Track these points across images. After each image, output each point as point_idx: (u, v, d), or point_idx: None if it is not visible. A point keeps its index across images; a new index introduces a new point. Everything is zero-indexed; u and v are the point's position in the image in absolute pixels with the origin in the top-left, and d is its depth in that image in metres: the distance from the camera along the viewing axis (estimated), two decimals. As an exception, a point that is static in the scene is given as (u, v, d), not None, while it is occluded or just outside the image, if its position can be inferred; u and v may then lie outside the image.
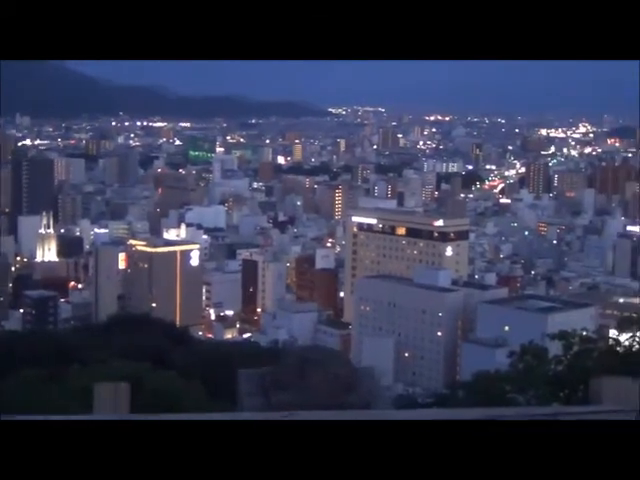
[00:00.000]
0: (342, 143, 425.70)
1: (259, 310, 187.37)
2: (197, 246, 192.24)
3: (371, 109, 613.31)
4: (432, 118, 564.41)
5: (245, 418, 4.63)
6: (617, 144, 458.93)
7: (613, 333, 36.39)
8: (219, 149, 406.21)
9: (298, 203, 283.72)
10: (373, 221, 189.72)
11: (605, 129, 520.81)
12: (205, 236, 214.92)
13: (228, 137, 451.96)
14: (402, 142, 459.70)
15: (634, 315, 36.67)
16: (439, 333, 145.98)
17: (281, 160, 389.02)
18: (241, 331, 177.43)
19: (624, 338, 32.35)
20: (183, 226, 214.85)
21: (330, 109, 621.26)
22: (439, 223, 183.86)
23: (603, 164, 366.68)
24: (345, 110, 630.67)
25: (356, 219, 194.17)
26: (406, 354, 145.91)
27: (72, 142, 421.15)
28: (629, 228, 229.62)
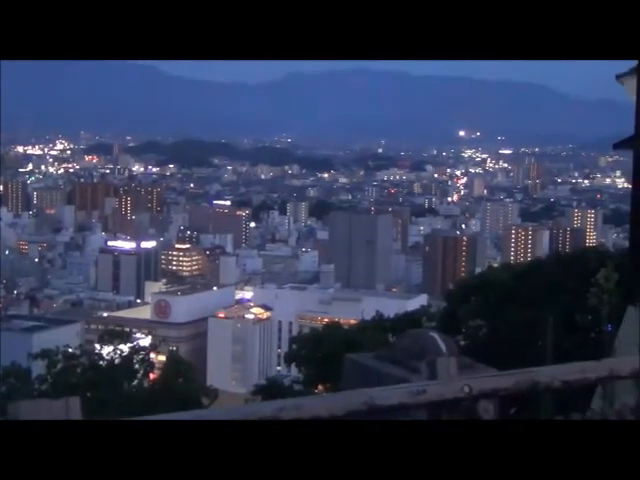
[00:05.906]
0: None
1: None
2: None
3: None
4: None
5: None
6: (95, 160, 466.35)
7: (97, 347, 36.90)
8: None
9: None
10: None
11: (82, 146, 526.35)
12: None
13: None
14: None
15: (116, 328, 37.52)
16: None
17: None
18: None
19: (106, 351, 32.97)
20: None
21: None
22: None
23: (82, 180, 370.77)
24: None
25: None
26: None
27: None
28: (110, 243, 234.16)
